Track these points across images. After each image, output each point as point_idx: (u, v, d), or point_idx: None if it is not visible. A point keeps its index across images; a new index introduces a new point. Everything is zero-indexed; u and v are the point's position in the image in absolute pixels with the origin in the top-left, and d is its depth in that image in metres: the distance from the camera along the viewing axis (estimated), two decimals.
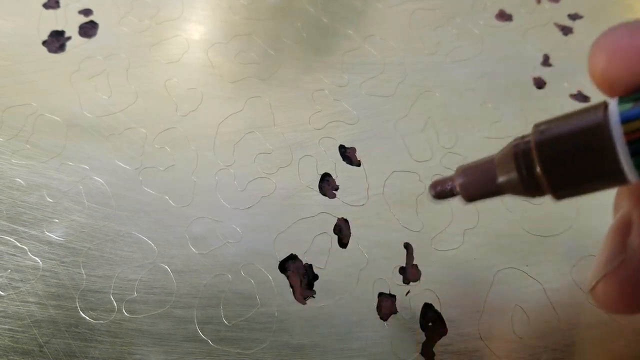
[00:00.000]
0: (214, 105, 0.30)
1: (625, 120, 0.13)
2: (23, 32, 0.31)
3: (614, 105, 0.13)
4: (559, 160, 0.14)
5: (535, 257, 0.27)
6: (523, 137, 0.16)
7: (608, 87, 0.13)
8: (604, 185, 0.14)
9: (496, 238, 0.27)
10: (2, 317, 0.22)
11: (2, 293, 0.23)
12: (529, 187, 0.15)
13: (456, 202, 0.28)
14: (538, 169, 0.15)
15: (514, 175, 0.16)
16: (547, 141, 0.15)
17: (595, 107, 0.13)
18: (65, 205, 0.25)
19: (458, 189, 0.19)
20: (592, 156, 0.13)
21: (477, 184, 0.18)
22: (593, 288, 0.15)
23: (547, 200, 0.24)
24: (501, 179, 0.17)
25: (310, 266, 0.25)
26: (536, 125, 0.15)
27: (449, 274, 0.26)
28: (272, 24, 0.34)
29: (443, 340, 0.24)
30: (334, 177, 0.28)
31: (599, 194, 0.14)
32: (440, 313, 0.25)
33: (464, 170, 0.19)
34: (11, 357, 0.22)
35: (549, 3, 0.38)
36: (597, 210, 0.28)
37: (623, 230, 0.15)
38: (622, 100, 0.13)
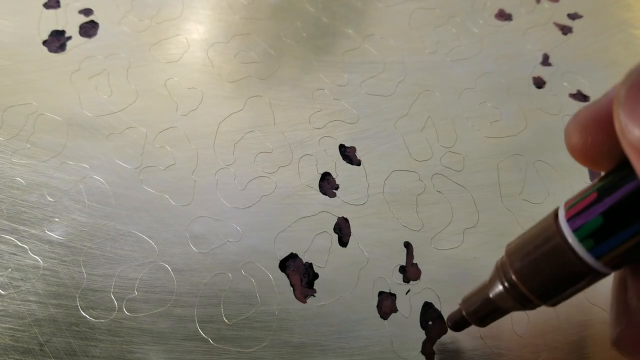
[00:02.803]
0: (214, 104, 0.30)
1: (576, 229, 0.14)
2: (23, 31, 0.31)
3: (562, 212, 0.14)
4: (530, 268, 0.16)
5: None
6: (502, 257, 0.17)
7: (584, 160, 0.15)
8: (582, 282, 0.15)
9: (496, 237, 0.27)
10: (3, 316, 0.22)
11: (3, 292, 0.23)
12: (516, 297, 0.17)
13: (455, 201, 0.28)
14: (514, 277, 0.16)
15: (500, 289, 0.17)
16: (515, 252, 0.16)
17: (548, 218, 0.15)
18: (65, 204, 0.25)
19: (467, 317, 0.20)
20: (556, 260, 0.15)
21: (479, 308, 0.20)
22: (613, 344, 0.15)
23: (546, 201, 0.24)
24: (492, 295, 0.18)
25: (311, 265, 0.25)
26: (508, 245, 0.17)
27: (448, 273, 0.26)
28: (272, 24, 0.34)
29: (443, 338, 0.24)
30: (334, 176, 0.28)
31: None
32: (440, 312, 0.25)
33: (465, 300, 0.21)
34: (12, 356, 0.22)
35: (548, 2, 0.38)
36: None
37: (621, 288, 0.15)
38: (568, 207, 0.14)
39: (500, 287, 0.17)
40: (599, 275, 0.14)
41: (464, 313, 0.21)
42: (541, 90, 0.33)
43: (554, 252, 0.15)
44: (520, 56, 0.34)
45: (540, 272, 0.15)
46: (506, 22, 0.36)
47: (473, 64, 0.34)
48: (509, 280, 0.17)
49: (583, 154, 0.14)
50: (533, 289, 0.16)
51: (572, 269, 0.14)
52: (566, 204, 0.15)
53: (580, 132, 0.14)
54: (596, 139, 0.14)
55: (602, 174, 0.15)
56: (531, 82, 0.33)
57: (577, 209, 0.14)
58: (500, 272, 0.17)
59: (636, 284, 0.15)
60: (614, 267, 0.14)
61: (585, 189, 0.14)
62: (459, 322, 0.22)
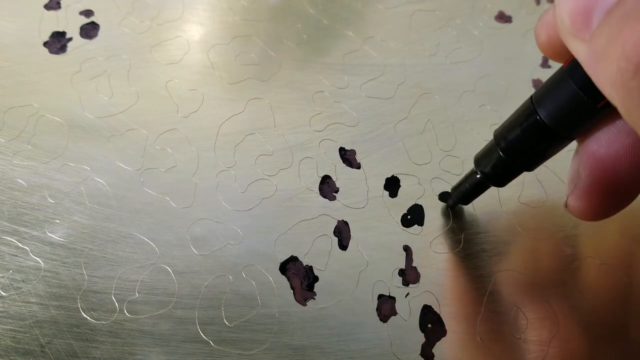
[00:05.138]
0: (214, 106, 0.30)
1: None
2: (24, 33, 0.31)
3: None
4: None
5: (533, 260, 0.27)
6: None
7: (551, 54, 0.18)
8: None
9: (494, 240, 0.27)
10: (4, 317, 0.23)
11: (4, 293, 0.23)
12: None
13: (455, 206, 0.28)
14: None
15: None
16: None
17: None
18: (66, 206, 0.26)
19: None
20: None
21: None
22: (565, 205, 0.20)
23: (544, 204, 0.25)
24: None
25: (311, 268, 0.25)
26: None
27: (447, 276, 0.26)
28: (272, 25, 0.34)
29: (442, 341, 0.24)
30: (334, 179, 0.28)
31: None
32: (439, 315, 0.25)
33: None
34: (13, 358, 0.22)
35: (548, 4, 0.38)
36: None
37: (575, 159, 0.20)
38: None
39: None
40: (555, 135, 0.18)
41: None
42: None
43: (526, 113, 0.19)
44: (520, 58, 0.35)
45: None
46: (506, 24, 0.36)
47: (473, 67, 0.34)
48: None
49: (550, 48, 0.18)
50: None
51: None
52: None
53: (545, 31, 0.18)
54: (557, 35, 0.16)
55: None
56: (531, 84, 0.33)
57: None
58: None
59: (582, 154, 0.19)
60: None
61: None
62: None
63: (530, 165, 0.21)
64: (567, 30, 0.15)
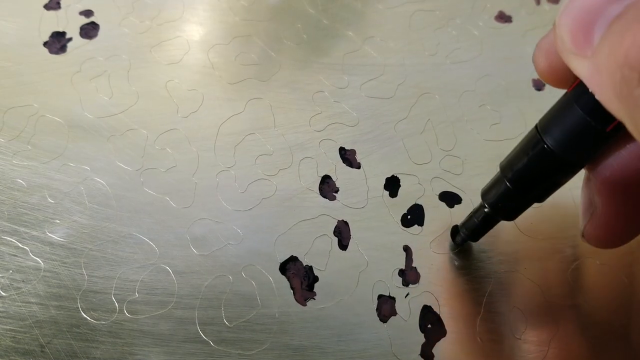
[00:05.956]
0: (214, 106, 0.30)
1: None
2: (24, 33, 0.31)
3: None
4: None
5: (533, 260, 0.27)
6: None
7: (551, 81, 0.18)
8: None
9: (494, 240, 0.27)
10: (4, 317, 0.23)
11: (4, 293, 0.23)
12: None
13: (455, 206, 0.28)
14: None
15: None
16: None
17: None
18: (66, 206, 0.26)
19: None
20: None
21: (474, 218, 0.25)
22: (582, 235, 0.19)
23: (544, 205, 0.25)
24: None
25: (311, 268, 0.25)
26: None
27: (447, 276, 0.26)
28: (272, 25, 0.34)
29: (442, 341, 0.24)
30: (334, 179, 0.28)
31: None
32: (439, 315, 0.25)
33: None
34: (13, 358, 0.22)
35: (548, 4, 0.38)
36: None
37: (587, 186, 0.19)
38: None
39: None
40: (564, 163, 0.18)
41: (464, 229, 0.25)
42: (541, 92, 0.33)
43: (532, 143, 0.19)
44: (520, 58, 0.35)
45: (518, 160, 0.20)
46: (506, 24, 0.36)
47: (473, 66, 0.34)
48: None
49: (550, 75, 0.18)
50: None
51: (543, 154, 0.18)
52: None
53: (544, 57, 0.17)
54: (558, 60, 0.16)
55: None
56: (531, 84, 0.33)
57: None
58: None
59: (595, 182, 0.18)
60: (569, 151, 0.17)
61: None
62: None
63: (540, 196, 0.20)
64: (568, 50, 0.15)
